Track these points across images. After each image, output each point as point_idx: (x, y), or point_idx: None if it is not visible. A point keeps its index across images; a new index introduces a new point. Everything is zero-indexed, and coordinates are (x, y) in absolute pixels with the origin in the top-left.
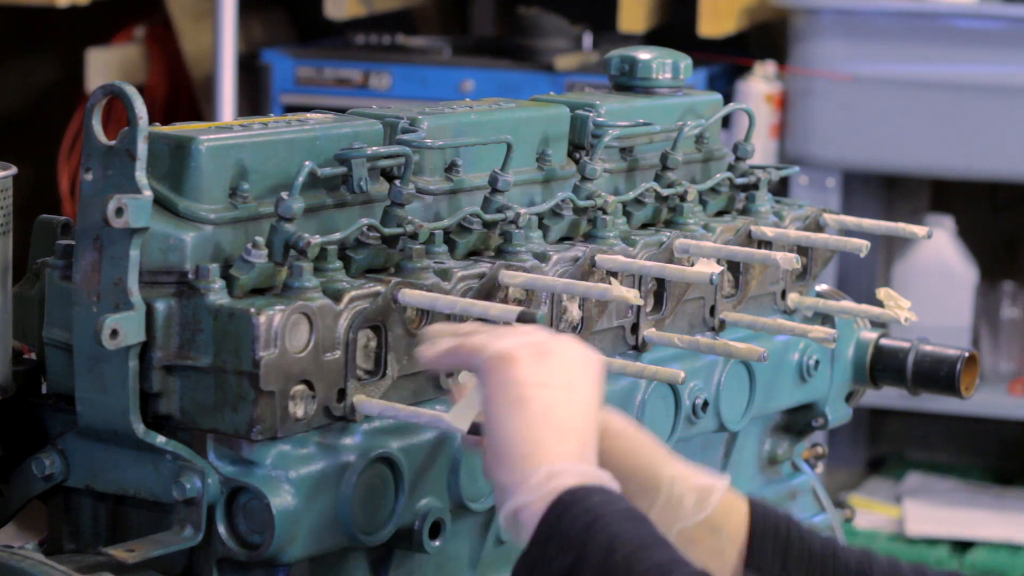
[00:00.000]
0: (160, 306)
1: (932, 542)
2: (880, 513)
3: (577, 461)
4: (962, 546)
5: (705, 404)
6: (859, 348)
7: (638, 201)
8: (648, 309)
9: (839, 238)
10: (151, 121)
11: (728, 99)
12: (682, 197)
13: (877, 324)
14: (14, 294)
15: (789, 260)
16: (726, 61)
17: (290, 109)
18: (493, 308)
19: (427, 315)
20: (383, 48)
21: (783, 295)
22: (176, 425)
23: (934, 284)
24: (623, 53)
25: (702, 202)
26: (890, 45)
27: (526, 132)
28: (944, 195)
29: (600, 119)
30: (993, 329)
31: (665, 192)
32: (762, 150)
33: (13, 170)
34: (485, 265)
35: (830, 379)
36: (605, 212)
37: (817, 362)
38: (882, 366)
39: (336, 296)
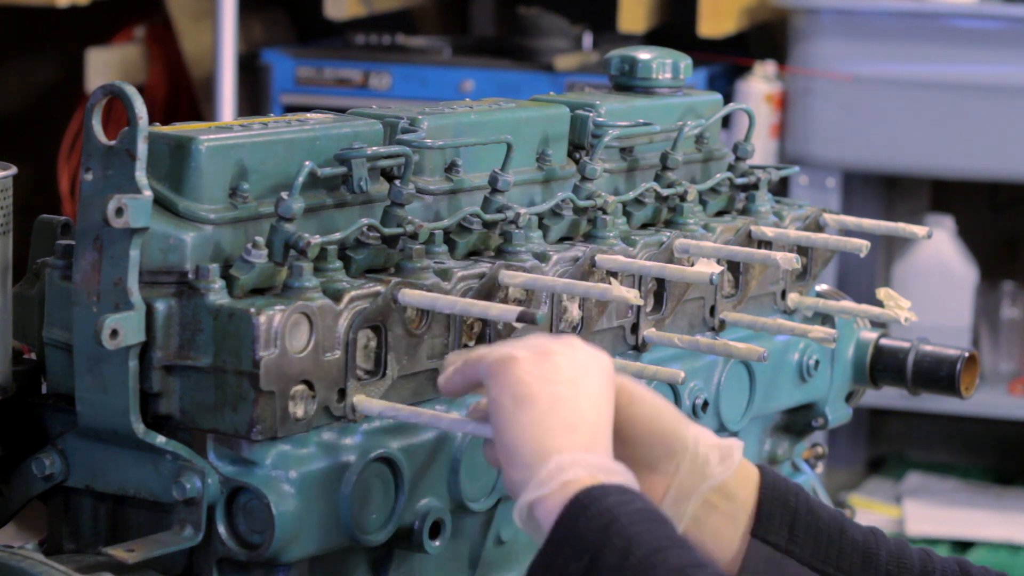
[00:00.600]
0: (160, 306)
1: (932, 542)
2: (880, 513)
3: (586, 452)
4: (962, 546)
5: (705, 404)
6: (859, 348)
7: (638, 201)
8: (648, 309)
9: (839, 238)
10: (151, 121)
11: (728, 99)
12: (682, 197)
13: (877, 324)
14: (14, 294)
15: (789, 260)
16: (726, 61)
17: (290, 109)
18: (493, 308)
19: (427, 315)
20: (383, 48)
21: (783, 295)
22: (176, 425)
23: (934, 284)
24: (623, 53)
25: (702, 202)
26: (890, 45)
27: (526, 132)
28: (944, 195)
29: (600, 119)
30: (993, 329)
31: (665, 192)
32: (762, 150)
33: (13, 170)
34: (485, 265)
35: (830, 379)
36: (605, 212)
37: (817, 362)
38: (882, 366)
39: (336, 296)
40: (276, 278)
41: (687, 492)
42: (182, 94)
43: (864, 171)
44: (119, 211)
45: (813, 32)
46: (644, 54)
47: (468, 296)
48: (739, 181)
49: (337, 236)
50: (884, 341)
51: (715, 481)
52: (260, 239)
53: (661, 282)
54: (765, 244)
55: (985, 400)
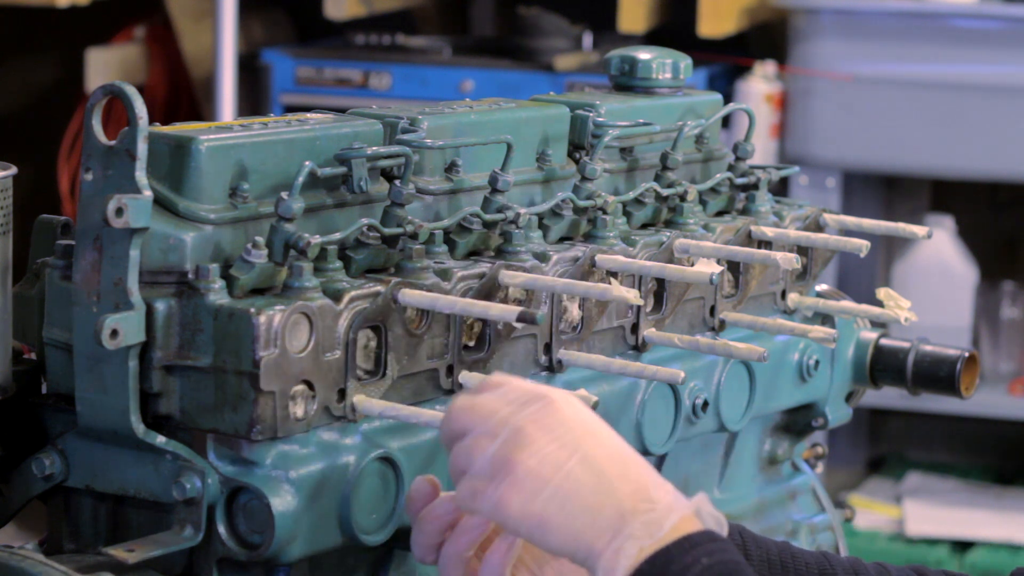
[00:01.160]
0: (160, 306)
1: (932, 542)
2: (880, 513)
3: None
4: (962, 546)
5: (705, 404)
6: (859, 348)
7: (638, 201)
8: (648, 309)
9: (839, 238)
10: (151, 121)
11: (728, 99)
12: (682, 197)
13: (877, 324)
14: (14, 294)
15: (789, 260)
16: (726, 61)
17: (290, 109)
18: (493, 308)
19: (427, 315)
20: (383, 48)
21: (783, 295)
22: (176, 425)
23: (934, 284)
24: (623, 53)
25: (702, 202)
26: (890, 45)
27: (526, 132)
28: (944, 195)
29: (600, 119)
30: (993, 329)
31: (665, 192)
32: (762, 150)
33: (13, 170)
34: (485, 265)
35: (830, 379)
36: (605, 212)
37: (817, 362)
38: (882, 366)
39: (336, 296)
40: (276, 278)
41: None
42: (182, 94)
43: (864, 171)
44: (119, 211)
45: (813, 32)
46: (644, 54)
47: (468, 296)
48: (739, 181)
49: (337, 236)
50: (884, 341)
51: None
52: (260, 239)
53: (661, 282)
54: (765, 244)
55: (985, 400)
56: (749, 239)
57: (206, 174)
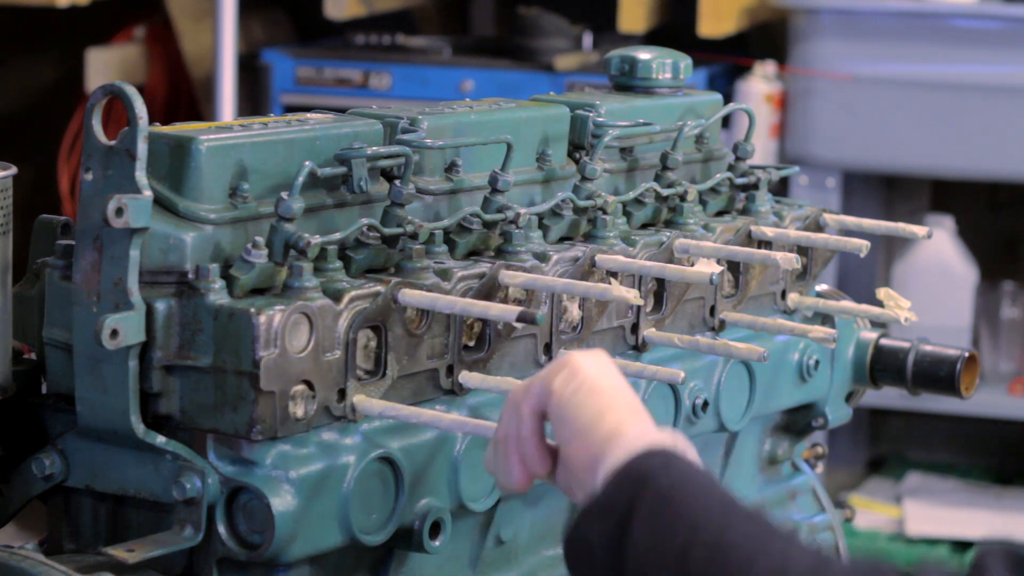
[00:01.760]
0: (160, 306)
1: (932, 542)
2: (880, 513)
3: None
4: (962, 546)
5: (705, 404)
6: (859, 348)
7: (638, 201)
8: (648, 309)
9: (839, 238)
10: (151, 121)
11: (728, 99)
12: (682, 197)
13: (877, 324)
14: (14, 294)
15: (789, 260)
16: (726, 61)
17: (290, 109)
18: (493, 308)
19: (427, 315)
20: (383, 48)
21: (783, 295)
22: (176, 425)
23: (934, 284)
24: (623, 53)
25: (702, 202)
26: (890, 45)
27: (526, 132)
28: (944, 195)
29: (600, 119)
30: (993, 329)
31: (665, 192)
32: (762, 150)
33: (13, 170)
34: (485, 265)
35: (830, 379)
36: (605, 212)
37: (817, 362)
38: (882, 366)
39: (336, 296)
40: (276, 278)
41: None
42: (182, 94)
43: (864, 171)
44: (119, 211)
45: (813, 32)
46: (644, 54)
47: (468, 296)
48: (739, 181)
49: (337, 236)
50: (884, 341)
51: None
52: (260, 239)
53: (661, 282)
54: (765, 244)
55: (985, 400)
56: (749, 239)
57: (206, 174)
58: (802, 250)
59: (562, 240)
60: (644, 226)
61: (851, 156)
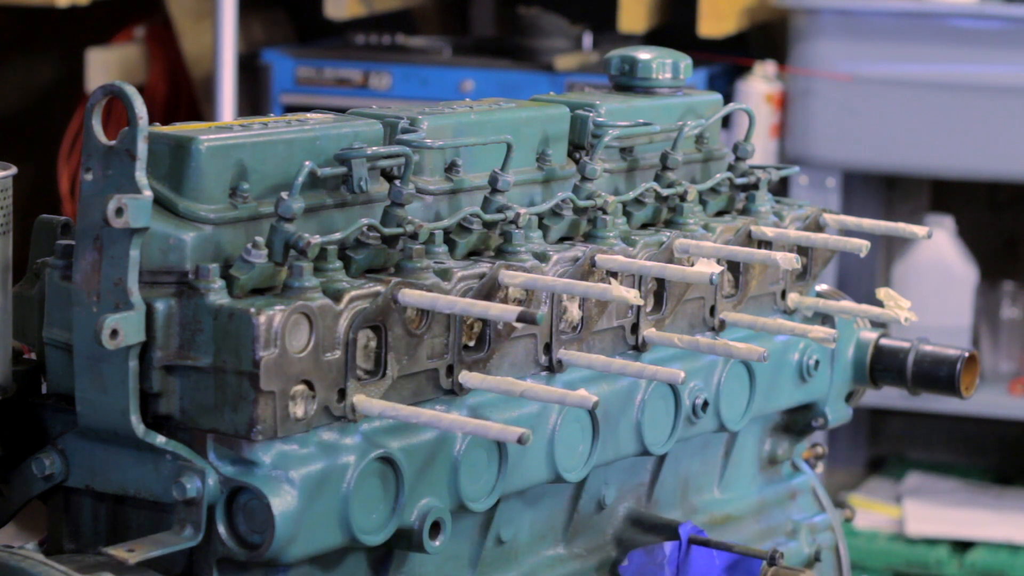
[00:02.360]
0: (160, 306)
1: (932, 542)
2: (880, 513)
3: None
4: (962, 546)
5: (705, 404)
6: (859, 348)
7: (638, 201)
8: (648, 309)
9: (839, 238)
10: (151, 121)
11: (728, 99)
12: (682, 197)
13: (877, 324)
14: (14, 294)
15: (789, 260)
16: (726, 61)
17: (290, 109)
18: (493, 308)
19: (427, 315)
20: (383, 48)
21: (783, 295)
22: (176, 425)
23: (934, 284)
24: (623, 53)
25: (702, 202)
26: (890, 45)
27: (526, 132)
28: (944, 195)
29: (600, 119)
30: (993, 329)
31: (665, 192)
32: (762, 150)
33: (13, 170)
34: (485, 265)
35: (830, 379)
36: (605, 212)
37: (817, 362)
38: (882, 366)
39: (336, 296)
40: (276, 278)
41: None
42: (182, 94)
43: (864, 171)
44: (119, 211)
45: (813, 32)
46: (644, 54)
47: (468, 296)
48: (739, 181)
49: (337, 236)
50: (884, 341)
51: None
52: (260, 239)
53: (661, 282)
54: (765, 244)
55: (985, 400)
56: (749, 239)
57: (206, 174)
58: (802, 250)
59: (562, 240)
60: (644, 226)
61: (851, 156)
